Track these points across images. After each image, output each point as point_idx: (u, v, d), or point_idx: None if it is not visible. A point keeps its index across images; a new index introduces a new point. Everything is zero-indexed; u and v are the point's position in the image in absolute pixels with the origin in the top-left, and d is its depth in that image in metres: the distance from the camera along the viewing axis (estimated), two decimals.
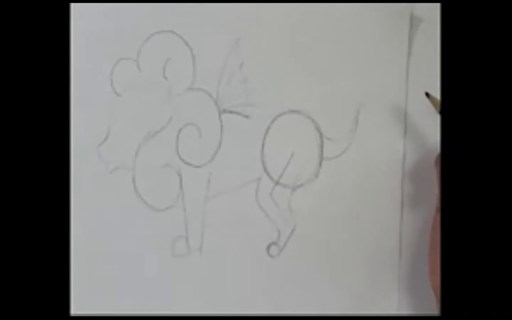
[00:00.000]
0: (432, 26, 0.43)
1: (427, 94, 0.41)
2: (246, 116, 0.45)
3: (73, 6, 0.45)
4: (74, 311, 0.44)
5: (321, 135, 0.45)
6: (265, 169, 0.45)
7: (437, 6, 0.42)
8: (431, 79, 0.42)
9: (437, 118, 0.41)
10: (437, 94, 0.40)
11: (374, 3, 0.44)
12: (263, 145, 0.45)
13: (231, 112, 0.45)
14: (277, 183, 0.45)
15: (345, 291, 0.45)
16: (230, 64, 0.45)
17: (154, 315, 0.45)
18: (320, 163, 0.45)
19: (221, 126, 0.45)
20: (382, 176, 0.44)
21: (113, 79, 0.46)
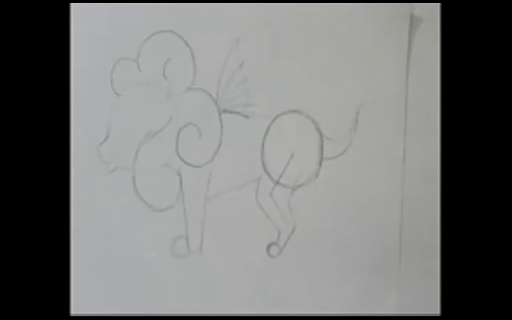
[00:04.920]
0: (432, 26, 0.43)
1: None
2: (246, 116, 0.45)
3: (73, 6, 0.45)
4: (74, 311, 0.44)
5: (321, 135, 0.45)
6: (265, 169, 0.45)
7: (437, 6, 0.42)
8: (431, 79, 0.42)
9: (437, 118, 0.41)
10: (436, 93, 0.40)
11: (374, 3, 0.44)
12: (263, 145, 0.45)
13: (231, 112, 0.45)
14: (277, 183, 0.45)
15: (345, 291, 0.45)
16: (230, 64, 0.45)
17: (153, 315, 0.45)
18: (320, 163, 0.45)
19: (221, 126, 0.45)
20: (382, 176, 0.44)
21: (113, 79, 0.45)
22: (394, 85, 0.44)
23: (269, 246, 0.45)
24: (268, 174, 0.45)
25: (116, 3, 0.45)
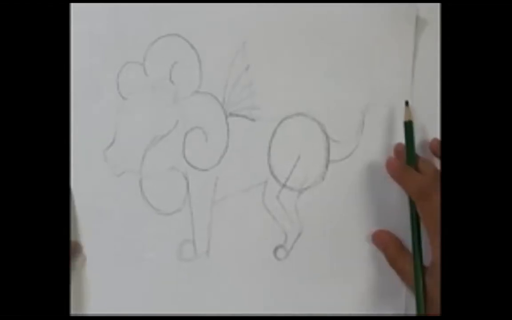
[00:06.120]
0: (438, 28, 0.43)
1: (406, 103, 0.42)
2: (253, 119, 0.45)
3: (80, 9, 0.45)
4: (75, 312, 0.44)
5: (327, 137, 0.45)
6: (271, 172, 0.45)
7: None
8: (437, 81, 0.42)
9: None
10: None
11: (381, 3, 0.44)
12: (269, 148, 0.45)
13: (237, 115, 0.45)
14: (283, 186, 0.45)
15: (352, 293, 0.44)
16: (236, 67, 0.45)
17: (154, 315, 0.45)
18: (327, 166, 0.45)
19: (228, 130, 0.45)
20: (388, 178, 0.44)
21: (119, 83, 0.46)
22: (400, 87, 0.44)
23: (276, 249, 0.45)
24: (274, 177, 0.45)
25: (122, 7, 0.45)
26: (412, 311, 0.43)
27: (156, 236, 0.45)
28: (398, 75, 0.44)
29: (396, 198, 0.44)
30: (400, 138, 0.44)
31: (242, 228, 0.45)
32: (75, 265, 0.45)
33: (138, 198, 0.45)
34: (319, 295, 0.45)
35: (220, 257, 0.45)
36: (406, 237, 0.43)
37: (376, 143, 0.44)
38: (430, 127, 0.44)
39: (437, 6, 0.43)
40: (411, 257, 0.42)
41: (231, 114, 0.45)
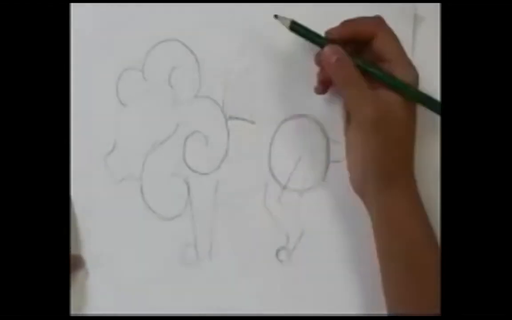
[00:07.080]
0: (436, 25, 0.43)
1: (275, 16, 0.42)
2: (253, 122, 0.45)
3: (78, 17, 0.45)
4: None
5: (327, 138, 0.45)
6: (272, 174, 0.45)
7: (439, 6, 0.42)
8: (435, 79, 0.42)
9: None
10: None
11: (379, 3, 0.44)
12: (270, 150, 0.45)
13: (237, 118, 0.45)
14: (284, 187, 0.45)
15: (354, 293, 0.45)
16: (235, 71, 0.45)
17: (154, 314, 0.45)
18: (327, 166, 0.45)
19: (228, 133, 0.45)
20: None
21: (119, 89, 0.46)
22: None
23: (278, 251, 0.45)
24: (275, 179, 0.45)
25: (119, 13, 0.45)
26: None
27: (158, 241, 0.45)
28: None
29: None
30: None
31: (243, 231, 0.45)
32: (76, 279, 0.45)
33: (139, 204, 0.45)
34: (321, 295, 0.45)
35: (223, 261, 0.45)
36: None
37: None
38: (431, 123, 0.44)
39: (435, 5, 0.43)
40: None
41: (231, 117, 0.45)
